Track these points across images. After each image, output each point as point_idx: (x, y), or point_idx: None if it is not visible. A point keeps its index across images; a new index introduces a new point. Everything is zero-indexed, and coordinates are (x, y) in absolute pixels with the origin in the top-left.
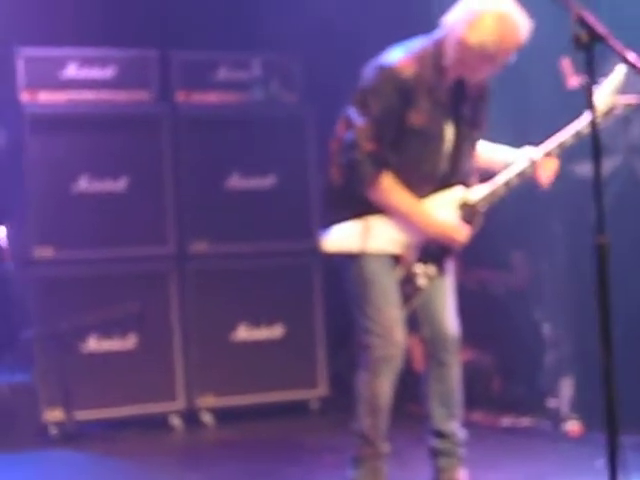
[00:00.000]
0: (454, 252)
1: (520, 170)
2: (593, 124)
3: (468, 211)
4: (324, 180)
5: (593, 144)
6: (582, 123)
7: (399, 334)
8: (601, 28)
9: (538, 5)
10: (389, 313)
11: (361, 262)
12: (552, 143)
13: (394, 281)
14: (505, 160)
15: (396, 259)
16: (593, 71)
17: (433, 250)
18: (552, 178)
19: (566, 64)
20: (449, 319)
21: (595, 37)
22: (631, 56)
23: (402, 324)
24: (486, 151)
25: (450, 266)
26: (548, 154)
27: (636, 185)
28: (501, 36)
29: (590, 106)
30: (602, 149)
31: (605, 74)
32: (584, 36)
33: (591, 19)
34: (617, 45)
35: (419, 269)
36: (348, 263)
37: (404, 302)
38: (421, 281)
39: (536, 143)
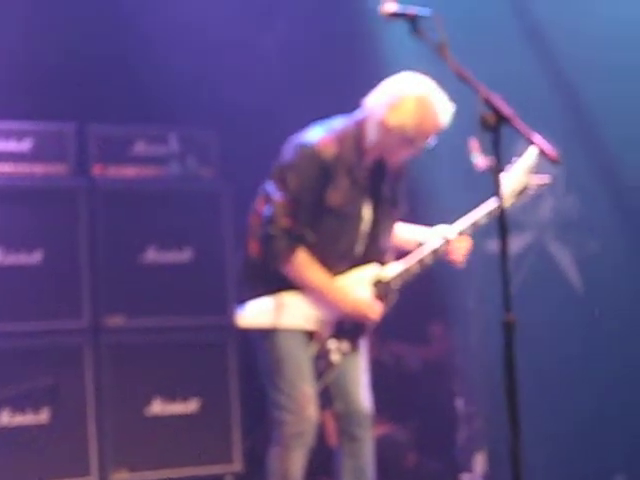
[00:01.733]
0: (368, 329)
1: (434, 248)
2: (499, 204)
3: (382, 288)
4: (242, 255)
5: (500, 224)
6: (494, 203)
7: (311, 410)
8: (507, 109)
9: (446, 83)
10: (302, 389)
11: (275, 338)
12: (465, 222)
13: (308, 357)
14: (419, 239)
15: (310, 335)
16: (499, 152)
17: (347, 326)
18: (465, 257)
19: (474, 145)
20: (362, 395)
21: (501, 118)
22: (537, 138)
23: (314, 400)
24: (400, 230)
25: (363, 342)
26: (461, 233)
27: (548, 261)
28: (421, 119)
29: (497, 187)
30: (512, 226)
31: (518, 154)
32: (490, 117)
33: (497, 100)
34: (523, 127)
35: (333, 345)
36: (262, 339)
37: (317, 377)
38: (335, 357)
39: (448, 222)
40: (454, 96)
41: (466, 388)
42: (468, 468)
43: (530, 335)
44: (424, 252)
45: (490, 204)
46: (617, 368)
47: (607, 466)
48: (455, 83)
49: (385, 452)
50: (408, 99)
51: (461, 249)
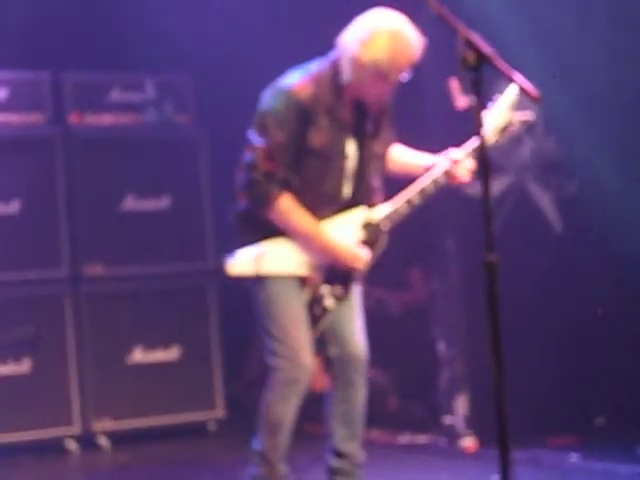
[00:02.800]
0: (360, 273)
1: (435, 177)
2: (481, 144)
3: (372, 231)
4: (233, 207)
5: (481, 163)
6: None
7: (306, 357)
8: (487, 49)
9: (430, 24)
10: (296, 335)
11: (266, 285)
12: (470, 146)
13: (301, 303)
14: (425, 163)
15: (303, 281)
16: (480, 92)
17: (339, 271)
18: (472, 175)
19: (454, 85)
20: (358, 339)
21: (482, 58)
22: (518, 76)
23: (309, 347)
24: (403, 156)
25: (357, 286)
26: (468, 155)
27: (527, 203)
28: (394, 53)
29: (478, 127)
30: (493, 168)
31: (499, 91)
32: (471, 57)
33: (478, 40)
34: (504, 66)
35: (326, 290)
36: (254, 286)
37: (313, 324)
38: (328, 302)
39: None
40: (435, 36)
41: (447, 331)
42: (450, 411)
43: (510, 277)
44: (421, 184)
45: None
46: (596, 310)
47: (588, 409)
48: (435, 23)
49: (367, 397)
50: (380, 34)
51: (467, 169)
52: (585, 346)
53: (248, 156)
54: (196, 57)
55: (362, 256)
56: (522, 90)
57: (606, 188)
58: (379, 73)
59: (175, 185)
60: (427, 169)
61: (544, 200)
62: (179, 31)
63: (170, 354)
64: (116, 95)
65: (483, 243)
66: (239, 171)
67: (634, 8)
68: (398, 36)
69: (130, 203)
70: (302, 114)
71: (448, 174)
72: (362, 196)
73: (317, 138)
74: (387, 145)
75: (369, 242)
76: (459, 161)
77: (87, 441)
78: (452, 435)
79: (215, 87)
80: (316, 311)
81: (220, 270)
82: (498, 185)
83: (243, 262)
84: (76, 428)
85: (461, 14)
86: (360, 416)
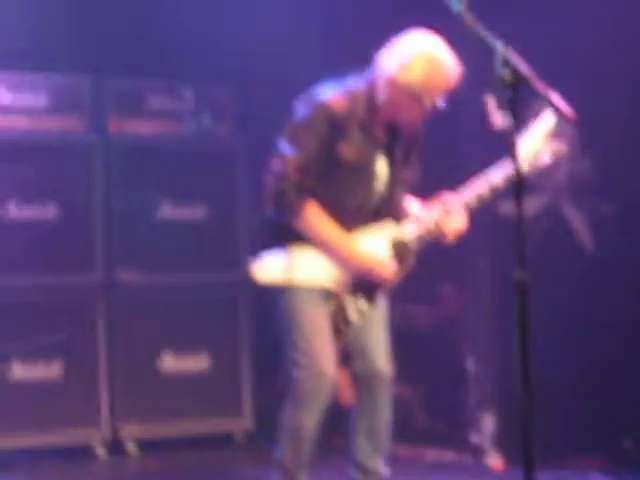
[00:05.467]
0: (385, 287)
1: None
2: (515, 164)
3: (400, 248)
4: (259, 214)
5: (516, 185)
6: (507, 166)
7: (328, 367)
8: (525, 68)
9: (468, 44)
10: (319, 346)
11: (291, 294)
12: (472, 192)
13: (325, 314)
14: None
15: (328, 292)
16: (517, 112)
17: (365, 284)
18: (457, 235)
19: (490, 103)
20: (381, 355)
21: (519, 77)
22: (554, 97)
23: (332, 358)
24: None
25: (382, 301)
26: (472, 201)
27: (561, 224)
28: (430, 77)
29: (513, 147)
30: (527, 188)
31: (533, 114)
32: (508, 76)
33: (515, 59)
34: (540, 86)
35: (350, 303)
36: (279, 294)
37: (336, 336)
38: (352, 315)
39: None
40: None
41: (476, 348)
42: (477, 428)
43: (542, 297)
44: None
45: (503, 168)
46: (627, 332)
47: (617, 431)
48: (473, 42)
49: (394, 411)
50: (417, 57)
51: (455, 227)
52: (616, 367)
53: (277, 165)
54: (236, 69)
55: (389, 267)
56: (557, 111)
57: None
58: (415, 97)
59: (211, 195)
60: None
61: (577, 222)
62: (220, 42)
63: (200, 362)
64: (155, 103)
65: (515, 262)
66: (267, 178)
67: None
68: (436, 60)
69: (166, 211)
70: (334, 126)
71: (437, 226)
72: (387, 215)
73: (348, 151)
74: (414, 173)
75: (397, 258)
76: (450, 213)
77: (115, 447)
78: (478, 452)
79: (254, 99)
80: (340, 324)
81: (252, 280)
82: (532, 205)
83: (271, 269)
84: (105, 433)
85: (498, 32)
86: (384, 432)
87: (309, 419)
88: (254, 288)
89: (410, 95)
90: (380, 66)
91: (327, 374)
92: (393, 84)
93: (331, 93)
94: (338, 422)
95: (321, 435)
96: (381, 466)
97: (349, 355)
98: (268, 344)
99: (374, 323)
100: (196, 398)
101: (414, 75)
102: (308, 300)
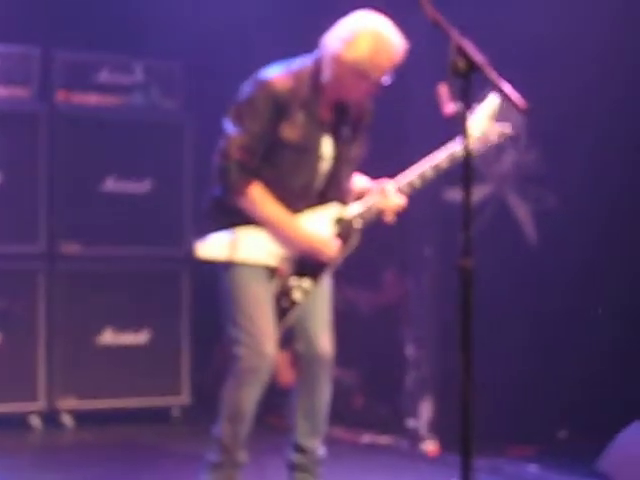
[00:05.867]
0: (330, 267)
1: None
2: (466, 151)
3: (343, 226)
4: (207, 192)
5: (465, 170)
6: (452, 148)
7: (269, 346)
8: (479, 57)
9: (420, 29)
10: (260, 324)
11: (235, 270)
12: (410, 176)
13: (269, 293)
14: (361, 185)
15: (272, 272)
16: (469, 99)
17: (309, 264)
18: (395, 216)
19: (443, 91)
20: (324, 336)
21: (472, 66)
22: (506, 87)
23: (273, 337)
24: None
25: (327, 280)
26: (401, 189)
27: (505, 213)
28: (375, 53)
29: (464, 133)
30: (474, 176)
31: (480, 100)
32: (461, 64)
33: (470, 47)
34: (493, 75)
35: (295, 282)
36: (222, 271)
37: (280, 316)
38: (297, 295)
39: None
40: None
41: (416, 334)
42: (414, 414)
43: (483, 285)
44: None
45: (448, 148)
46: (567, 322)
47: (551, 421)
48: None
49: (333, 395)
50: (362, 34)
51: (394, 207)
52: (552, 358)
53: (221, 144)
54: (186, 44)
55: (333, 245)
56: (509, 101)
57: (584, 203)
58: (360, 73)
59: (158, 169)
60: (361, 192)
61: (521, 212)
62: (171, 16)
63: (140, 338)
64: (104, 76)
65: (459, 249)
66: (214, 157)
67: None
68: (380, 37)
69: (111, 184)
70: (277, 106)
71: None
72: (334, 195)
73: (290, 131)
74: (361, 151)
75: (341, 237)
76: (388, 193)
77: (51, 418)
78: (415, 438)
79: (204, 74)
80: (284, 304)
81: (195, 256)
82: (478, 193)
83: (215, 246)
84: (41, 404)
85: (455, 20)
86: (323, 413)
87: (248, 397)
88: (197, 264)
89: (355, 71)
90: (325, 44)
91: (268, 353)
92: (338, 61)
93: (275, 73)
94: (273, 401)
95: (257, 414)
96: (318, 447)
97: (292, 335)
98: (209, 321)
99: (317, 303)
100: (134, 373)
101: (359, 51)
102: (251, 277)
